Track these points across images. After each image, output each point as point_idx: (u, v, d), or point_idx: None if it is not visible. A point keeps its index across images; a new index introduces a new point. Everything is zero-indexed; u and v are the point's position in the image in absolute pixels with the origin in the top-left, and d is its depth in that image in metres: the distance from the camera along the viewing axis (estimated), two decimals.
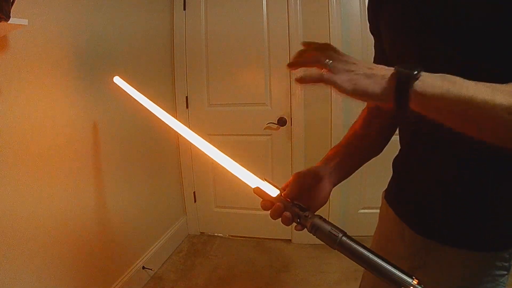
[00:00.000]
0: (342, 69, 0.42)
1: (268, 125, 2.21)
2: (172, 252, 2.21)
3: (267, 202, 0.53)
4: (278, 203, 0.52)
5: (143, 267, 1.85)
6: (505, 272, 0.60)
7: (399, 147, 0.72)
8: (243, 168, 0.57)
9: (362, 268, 0.47)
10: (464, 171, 0.56)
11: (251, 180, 0.55)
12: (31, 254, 1.16)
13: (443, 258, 0.61)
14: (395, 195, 0.74)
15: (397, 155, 0.74)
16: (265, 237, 2.35)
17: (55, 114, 1.27)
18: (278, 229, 2.32)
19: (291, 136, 2.19)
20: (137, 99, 0.75)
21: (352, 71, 0.42)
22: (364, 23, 2.02)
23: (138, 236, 1.87)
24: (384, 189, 0.79)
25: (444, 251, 0.61)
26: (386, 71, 0.41)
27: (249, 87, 2.22)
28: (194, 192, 2.45)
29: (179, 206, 2.42)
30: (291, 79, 2.12)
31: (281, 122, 2.17)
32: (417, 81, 0.38)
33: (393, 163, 0.75)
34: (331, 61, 0.43)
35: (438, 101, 0.38)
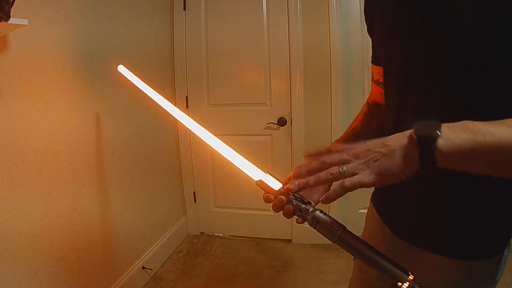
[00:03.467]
0: (357, 167, 0.41)
1: (268, 125, 2.21)
2: (172, 252, 2.21)
3: (269, 195, 0.54)
4: (280, 196, 0.52)
5: (143, 267, 1.85)
6: (489, 281, 0.58)
7: None
8: (246, 161, 0.57)
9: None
10: (448, 175, 0.56)
11: (254, 173, 0.56)
12: (32, 254, 1.16)
13: (423, 264, 0.59)
14: (379, 197, 0.74)
15: None
16: (265, 237, 2.35)
17: (55, 115, 1.27)
18: (278, 229, 2.32)
19: (291, 136, 2.19)
20: (141, 88, 0.75)
21: (369, 159, 0.40)
22: (364, 25, 2.02)
23: (138, 236, 1.87)
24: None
25: (424, 257, 0.59)
26: (402, 138, 0.40)
27: (249, 87, 2.22)
28: (194, 192, 2.45)
29: (179, 206, 2.42)
30: (291, 79, 2.12)
31: (281, 122, 2.17)
32: (440, 139, 0.37)
33: None
34: (342, 168, 0.41)
35: (464, 155, 0.37)
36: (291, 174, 0.49)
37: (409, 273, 0.41)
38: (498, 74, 0.47)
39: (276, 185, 0.54)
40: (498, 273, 0.58)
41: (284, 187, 0.54)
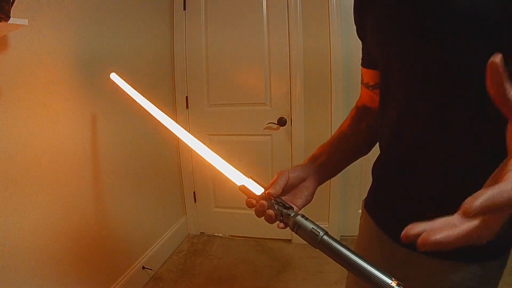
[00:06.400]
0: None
1: (268, 125, 2.21)
2: (172, 252, 2.21)
3: (251, 200, 0.54)
4: (261, 201, 0.52)
5: (143, 267, 1.85)
6: (495, 282, 0.57)
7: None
8: (229, 165, 0.57)
9: None
10: (445, 178, 0.54)
11: (237, 177, 0.56)
12: (32, 255, 1.16)
13: (426, 270, 0.57)
14: (374, 203, 0.71)
15: (376, 160, 0.71)
16: (265, 237, 2.35)
17: (54, 116, 1.27)
18: (278, 229, 2.31)
19: (291, 136, 2.19)
20: (132, 96, 0.75)
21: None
22: None
23: (138, 236, 1.87)
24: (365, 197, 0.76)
25: (426, 262, 0.57)
26: None
27: (249, 87, 2.22)
28: (194, 192, 2.45)
29: (179, 206, 2.42)
30: (291, 79, 2.12)
31: (281, 122, 2.17)
32: None
33: (372, 169, 0.72)
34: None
35: None
36: None
37: (392, 278, 0.40)
38: None
39: (258, 190, 0.54)
40: (502, 273, 0.57)
41: (266, 192, 0.53)
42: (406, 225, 0.62)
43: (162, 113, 0.66)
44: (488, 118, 0.37)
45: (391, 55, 0.58)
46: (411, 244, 0.61)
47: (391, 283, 0.39)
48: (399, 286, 0.39)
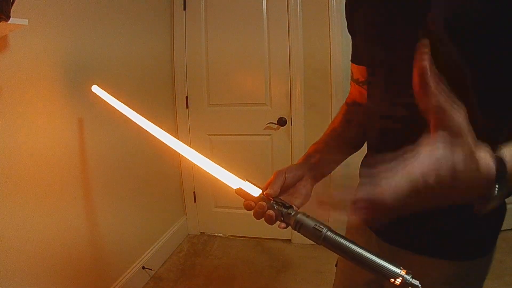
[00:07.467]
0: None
1: (268, 125, 2.21)
2: (172, 252, 2.21)
3: (250, 202, 0.53)
4: (260, 202, 0.51)
5: (143, 267, 1.85)
6: (482, 278, 0.58)
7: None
8: (223, 169, 0.56)
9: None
10: None
11: (232, 181, 0.55)
12: (29, 257, 1.16)
13: (415, 268, 0.58)
14: None
15: (364, 158, 0.71)
16: (265, 237, 2.35)
17: (52, 117, 1.27)
18: (278, 229, 2.31)
19: (291, 136, 2.19)
20: (116, 107, 0.74)
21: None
22: None
23: (138, 236, 1.87)
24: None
25: (415, 260, 0.57)
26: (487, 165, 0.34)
27: (249, 87, 2.22)
28: (194, 192, 2.45)
29: (179, 206, 2.42)
30: (291, 79, 2.12)
31: (281, 122, 2.17)
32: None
33: (360, 168, 0.71)
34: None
35: None
36: None
37: (401, 268, 0.40)
38: (490, 79, 0.45)
39: (255, 192, 0.53)
40: (489, 270, 0.58)
41: (264, 193, 0.52)
42: (394, 224, 0.62)
43: (147, 121, 0.65)
44: (479, 120, 0.37)
45: (376, 52, 0.57)
46: (399, 241, 0.60)
47: (400, 272, 0.39)
48: (408, 275, 0.39)
